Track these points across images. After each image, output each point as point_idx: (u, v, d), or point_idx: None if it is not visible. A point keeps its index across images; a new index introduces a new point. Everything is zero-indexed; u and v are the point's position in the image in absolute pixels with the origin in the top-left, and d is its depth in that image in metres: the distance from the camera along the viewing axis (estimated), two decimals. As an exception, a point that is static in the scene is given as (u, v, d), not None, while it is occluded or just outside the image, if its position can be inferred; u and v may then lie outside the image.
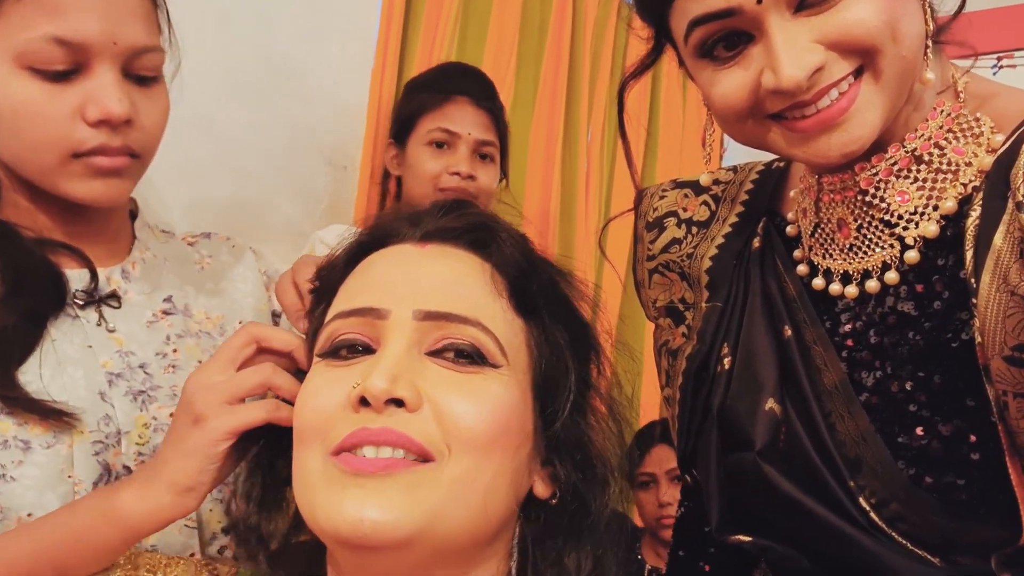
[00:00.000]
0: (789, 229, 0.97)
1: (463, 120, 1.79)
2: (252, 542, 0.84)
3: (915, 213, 0.86)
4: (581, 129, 2.62)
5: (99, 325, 1.03)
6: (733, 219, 1.03)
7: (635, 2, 0.92)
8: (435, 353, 0.75)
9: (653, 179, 2.92)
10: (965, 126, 0.86)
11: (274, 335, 0.88)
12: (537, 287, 0.82)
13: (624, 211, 1.11)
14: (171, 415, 1.00)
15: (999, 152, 0.83)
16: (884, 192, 0.87)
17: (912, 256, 0.86)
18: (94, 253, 1.05)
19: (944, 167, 0.85)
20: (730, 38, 0.82)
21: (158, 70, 1.02)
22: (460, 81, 1.84)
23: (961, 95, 0.88)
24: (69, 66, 0.95)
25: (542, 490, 0.79)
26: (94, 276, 1.03)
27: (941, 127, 0.86)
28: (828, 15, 0.79)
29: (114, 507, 0.85)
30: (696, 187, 1.08)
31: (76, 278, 1.03)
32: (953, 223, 0.84)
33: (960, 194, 0.85)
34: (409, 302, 0.76)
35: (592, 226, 2.64)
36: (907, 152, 0.86)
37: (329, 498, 0.71)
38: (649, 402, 2.69)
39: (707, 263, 1.01)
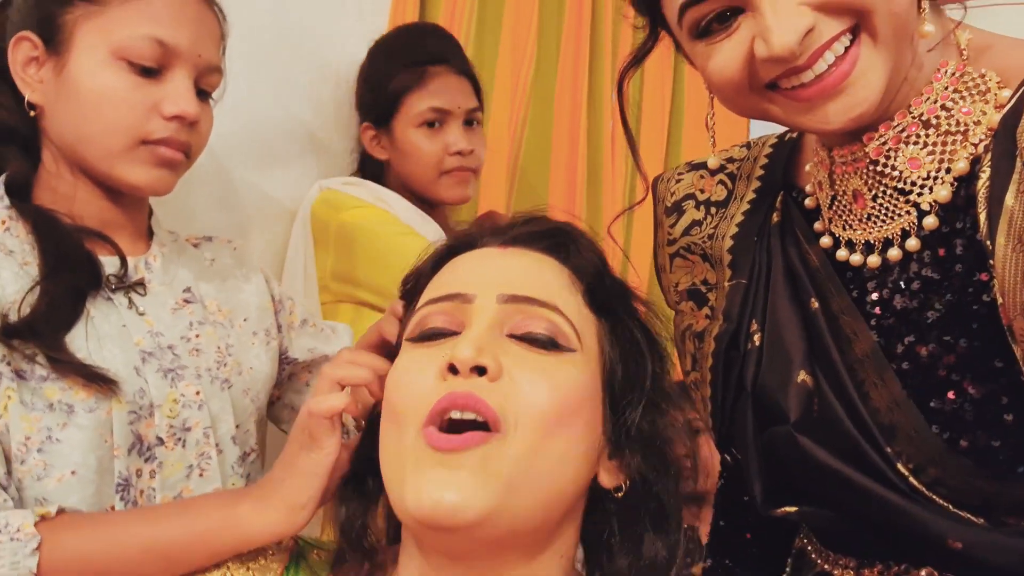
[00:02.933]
0: (807, 201, 0.97)
1: (449, 93, 1.75)
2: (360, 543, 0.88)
3: (928, 178, 0.85)
4: (603, 120, 2.57)
5: (130, 308, 1.13)
6: (751, 195, 1.03)
7: None
8: (515, 337, 0.81)
9: (679, 161, 2.88)
10: (971, 84, 0.85)
11: (351, 374, 0.90)
12: (611, 288, 0.88)
13: (635, 203, 1.10)
14: (197, 393, 1.12)
15: (1005, 110, 0.82)
16: (895, 160, 0.86)
17: (930, 222, 0.85)
18: (121, 243, 1.15)
19: (953, 128, 0.84)
20: (722, 15, 0.82)
21: (215, 89, 1.19)
22: (432, 48, 1.79)
23: (964, 52, 0.86)
24: (158, 65, 1.09)
25: (608, 480, 0.83)
26: (124, 262, 1.13)
27: (947, 88, 0.85)
28: None
29: (236, 516, 0.92)
30: (712, 167, 1.08)
31: (108, 264, 1.12)
32: (966, 184, 0.83)
33: (971, 154, 0.83)
34: (493, 288, 0.83)
35: (619, 184, 2.61)
36: (914, 118, 0.85)
37: (416, 480, 0.75)
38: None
39: (728, 242, 1.01)
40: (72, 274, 1.07)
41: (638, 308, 0.91)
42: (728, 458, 1.02)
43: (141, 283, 1.15)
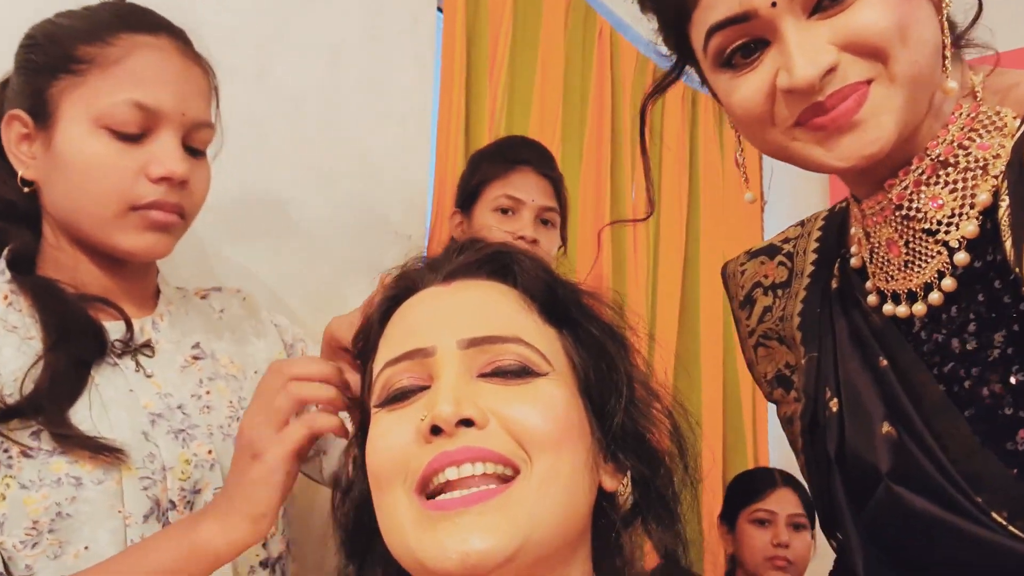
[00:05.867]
0: (853, 261, 0.97)
1: (527, 187, 1.87)
2: None
3: (953, 216, 0.85)
4: (626, 192, 2.72)
5: (137, 371, 1.11)
6: (809, 269, 1.03)
7: (657, 21, 0.93)
8: (485, 375, 0.79)
9: (697, 234, 3.00)
10: (987, 121, 0.86)
11: (307, 370, 0.94)
12: (563, 297, 0.86)
13: (625, 220, 1.11)
14: (209, 452, 1.10)
15: (1016, 137, 0.83)
16: (918, 202, 0.87)
17: (961, 258, 0.85)
18: (126, 306, 1.14)
19: (972, 165, 0.85)
20: (747, 47, 0.83)
21: (207, 144, 1.17)
22: (522, 151, 1.93)
23: (978, 94, 0.87)
24: (141, 129, 1.08)
25: (610, 484, 0.82)
26: (129, 327, 1.12)
27: (963, 128, 0.86)
28: (840, 17, 0.80)
29: (199, 541, 0.92)
30: (769, 250, 1.10)
31: (112, 329, 1.11)
32: (991, 216, 0.84)
33: (993, 187, 0.84)
34: (450, 334, 0.79)
35: (642, 283, 2.72)
36: (931, 160, 0.86)
37: (427, 539, 0.73)
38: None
39: (796, 320, 1.01)
40: (76, 344, 1.05)
41: (593, 306, 0.88)
42: (834, 544, 0.97)
43: (148, 345, 1.14)
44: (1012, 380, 0.81)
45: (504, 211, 1.87)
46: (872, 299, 0.93)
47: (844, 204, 1.04)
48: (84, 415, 1.02)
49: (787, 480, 2.38)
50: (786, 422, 1.05)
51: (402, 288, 0.88)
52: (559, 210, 1.92)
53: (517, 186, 1.86)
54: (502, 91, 2.34)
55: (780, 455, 3.10)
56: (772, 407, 3.43)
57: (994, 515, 0.80)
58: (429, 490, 0.75)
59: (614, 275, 2.62)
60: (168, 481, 1.06)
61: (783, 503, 2.35)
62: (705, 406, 2.92)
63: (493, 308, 0.82)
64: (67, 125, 1.07)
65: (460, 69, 2.22)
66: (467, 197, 1.92)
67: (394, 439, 0.78)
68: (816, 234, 1.05)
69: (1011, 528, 0.80)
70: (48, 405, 0.99)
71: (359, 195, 1.98)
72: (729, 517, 2.41)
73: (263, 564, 1.16)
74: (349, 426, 0.95)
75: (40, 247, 1.13)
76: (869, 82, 0.81)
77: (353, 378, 0.95)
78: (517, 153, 1.92)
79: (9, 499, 0.98)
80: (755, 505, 2.36)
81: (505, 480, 0.75)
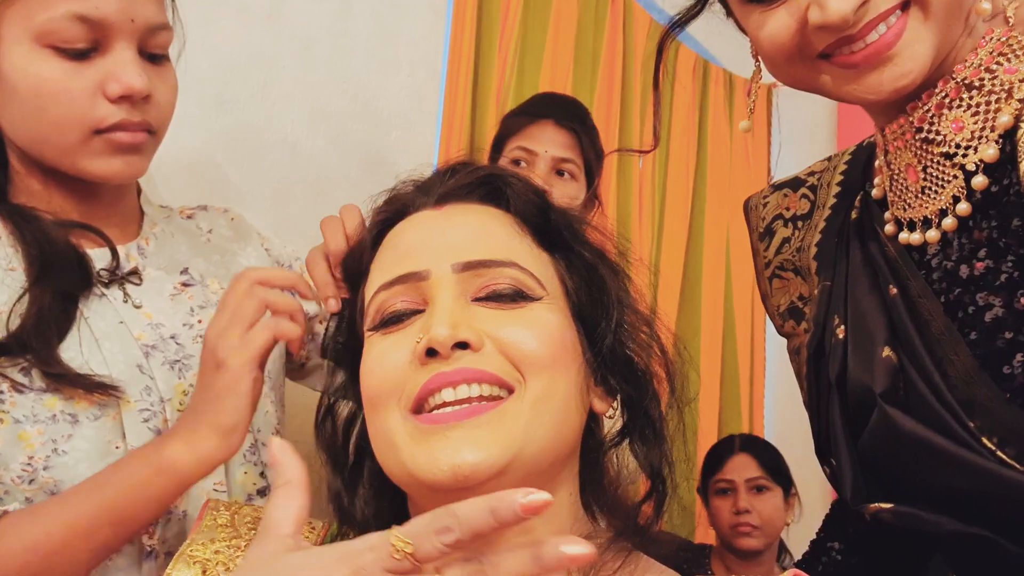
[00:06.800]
0: (875, 192, 0.97)
1: (542, 139, 1.83)
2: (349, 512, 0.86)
3: (972, 139, 0.85)
4: (634, 158, 2.72)
5: (125, 302, 1.06)
6: (832, 201, 1.02)
7: None
8: (480, 299, 0.78)
9: (703, 205, 3.00)
10: (1016, 47, 0.85)
11: (273, 275, 0.92)
12: (555, 221, 0.85)
13: (631, 150, 1.10)
14: None
15: None
16: (939, 125, 0.86)
17: (979, 181, 0.84)
18: (109, 231, 1.07)
19: (996, 88, 0.84)
20: None
21: (167, 48, 1.05)
22: (544, 106, 1.90)
23: (1010, 19, 0.87)
24: (89, 44, 0.97)
25: (600, 407, 0.83)
26: (115, 254, 1.06)
27: (991, 52, 0.85)
28: None
29: (165, 459, 0.90)
30: (794, 183, 1.09)
31: (97, 257, 1.05)
32: (1009, 139, 0.83)
33: (1016, 110, 0.83)
34: (445, 258, 0.79)
35: (645, 248, 2.72)
36: (956, 82, 0.85)
37: (420, 452, 0.73)
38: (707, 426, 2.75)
39: (813, 250, 1.01)
40: (61, 278, 0.99)
41: (585, 231, 0.88)
42: (827, 470, 0.98)
43: (135, 272, 1.08)
44: (1018, 304, 0.81)
45: (517, 163, 1.85)
46: (890, 228, 0.93)
47: (872, 139, 1.03)
48: (75, 351, 0.99)
49: (745, 445, 2.39)
50: (794, 353, 1.05)
51: (393, 211, 0.87)
52: (581, 163, 1.88)
53: (533, 138, 1.84)
54: (513, 49, 2.33)
55: (775, 430, 3.10)
56: (769, 385, 3.42)
57: (984, 440, 0.81)
58: (423, 412, 0.75)
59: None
60: (168, 412, 1.03)
61: (741, 469, 2.35)
62: (703, 384, 2.92)
63: (487, 232, 0.82)
64: (8, 48, 0.97)
65: (471, 23, 2.21)
66: (492, 153, 1.90)
67: (389, 361, 0.77)
68: (842, 167, 1.05)
69: (1000, 453, 0.80)
70: (36, 343, 0.95)
71: (365, 142, 1.97)
72: (703, 491, 2.43)
73: (260, 493, 1.12)
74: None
75: (9, 176, 1.04)
76: (903, 6, 0.80)
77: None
78: (539, 108, 1.89)
79: (4, 433, 0.95)
80: (717, 476, 2.38)
81: (498, 400, 0.75)
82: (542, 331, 0.77)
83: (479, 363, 0.75)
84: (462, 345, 0.75)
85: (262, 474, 1.13)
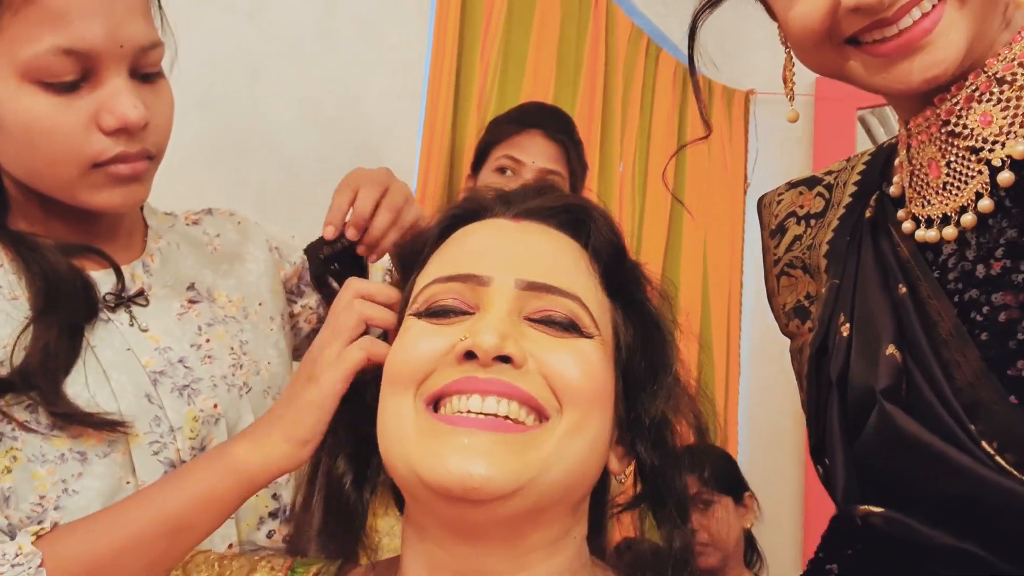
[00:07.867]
0: (892, 189, 0.94)
1: (530, 149, 1.84)
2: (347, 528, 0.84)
3: (1000, 134, 0.82)
4: (614, 162, 2.72)
5: (132, 326, 1.02)
6: (847, 200, 1.00)
7: None
8: (532, 320, 0.77)
9: (681, 210, 3.01)
10: None
11: (375, 290, 0.89)
12: (628, 271, 0.84)
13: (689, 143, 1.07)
14: (215, 406, 1.03)
15: None
16: (966, 119, 0.83)
17: (1005, 177, 0.81)
18: (113, 251, 1.04)
19: None
20: None
21: (160, 64, 1.00)
22: (534, 116, 1.91)
23: None
24: (78, 75, 0.92)
25: (616, 466, 0.81)
26: (120, 276, 1.02)
27: None
28: None
29: (232, 459, 0.87)
30: (810, 181, 1.07)
31: (101, 279, 1.02)
32: None
33: None
34: (511, 271, 0.78)
35: (626, 252, 2.73)
36: (988, 76, 0.82)
37: (430, 448, 0.71)
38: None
39: (824, 248, 0.98)
40: (66, 308, 0.96)
41: (650, 291, 0.86)
42: (820, 470, 0.95)
43: (141, 294, 1.04)
44: None
45: (503, 171, 1.85)
46: (907, 226, 0.90)
47: (893, 141, 1.01)
48: (81, 385, 0.95)
49: (691, 465, 2.36)
50: (796, 353, 1.03)
51: (466, 210, 0.85)
52: (566, 175, 1.89)
53: (521, 147, 1.84)
54: (496, 51, 2.33)
55: (749, 439, 3.12)
56: (744, 392, 3.42)
57: (984, 444, 0.79)
58: (439, 410, 0.74)
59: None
60: (179, 441, 1.00)
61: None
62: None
63: (558, 259, 0.81)
64: None
65: (454, 25, 2.20)
66: (476, 159, 1.91)
67: (424, 347, 0.76)
68: (860, 167, 1.03)
69: (999, 459, 0.78)
70: (42, 381, 0.92)
71: (349, 140, 1.96)
72: None
73: (272, 515, 1.10)
74: None
75: (8, 203, 1.00)
76: None
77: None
78: (528, 117, 1.90)
79: (16, 472, 0.92)
80: None
81: (522, 426, 0.73)
82: (588, 365, 0.76)
83: (518, 380, 0.73)
84: (504, 359, 0.73)
85: (274, 496, 1.10)
